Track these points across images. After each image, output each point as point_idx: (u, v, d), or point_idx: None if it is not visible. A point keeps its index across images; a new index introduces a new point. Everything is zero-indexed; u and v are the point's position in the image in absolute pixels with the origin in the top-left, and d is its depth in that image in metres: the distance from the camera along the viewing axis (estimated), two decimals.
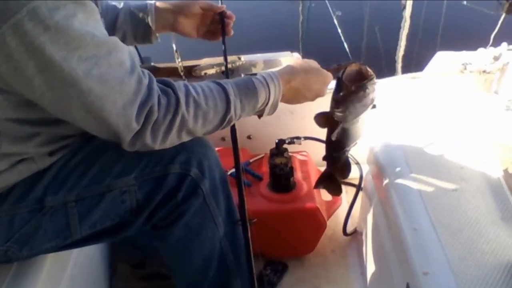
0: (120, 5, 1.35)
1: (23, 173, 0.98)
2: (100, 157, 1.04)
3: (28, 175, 0.99)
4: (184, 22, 1.36)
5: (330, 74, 1.20)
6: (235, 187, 1.52)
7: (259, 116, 1.12)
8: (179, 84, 0.96)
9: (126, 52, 0.88)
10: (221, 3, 1.42)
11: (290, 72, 1.12)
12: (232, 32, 1.41)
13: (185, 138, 0.97)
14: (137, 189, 1.04)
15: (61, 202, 1.00)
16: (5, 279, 1.05)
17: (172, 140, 0.95)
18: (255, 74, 2.02)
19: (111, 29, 1.33)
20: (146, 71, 0.92)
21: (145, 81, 0.89)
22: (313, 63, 1.19)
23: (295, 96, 1.15)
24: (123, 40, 1.37)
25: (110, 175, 1.02)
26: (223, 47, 1.41)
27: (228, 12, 1.39)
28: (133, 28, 1.36)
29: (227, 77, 1.35)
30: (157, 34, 1.39)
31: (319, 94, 1.19)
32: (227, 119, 1.00)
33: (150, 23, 1.34)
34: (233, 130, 1.22)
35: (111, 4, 1.35)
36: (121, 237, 1.10)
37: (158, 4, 1.35)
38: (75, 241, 1.06)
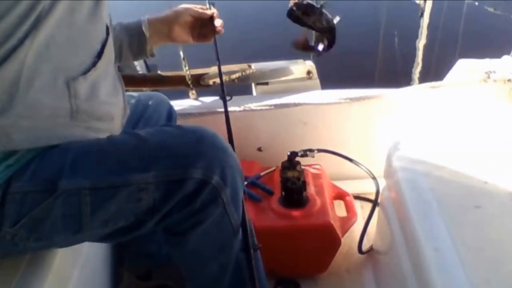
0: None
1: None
2: (119, 148, 1.05)
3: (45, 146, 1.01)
4: (178, 30, 1.47)
5: None
6: (246, 201, 1.53)
7: None
8: None
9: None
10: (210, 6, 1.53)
11: None
12: (222, 31, 1.53)
13: None
14: (155, 189, 1.04)
15: (75, 188, 1.00)
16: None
17: None
18: (267, 84, 2.06)
19: None
20: None
21: None
22: None
23: None
24: (120, 53, 1.43)
25: (128, 169, 1.03)
26: (215, 48, 1.50)
27: (215, 14, 1.51)
28: (129, 40, 1.44)
29: (222, 83, 1.44)
30: (153, 48, 1.48)
31: None
32: None
33: (145, 32, 1.43)
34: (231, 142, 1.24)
35: None
36: (131, 237, 1.10)
37: (149, 18, 1.45)
38: (85, 237, 1.07)
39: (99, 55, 1.07)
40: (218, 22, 1.51)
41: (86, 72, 1.03)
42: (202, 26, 1.52)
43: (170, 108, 1.60)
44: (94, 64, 1.05)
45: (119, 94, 1.19)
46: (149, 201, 1.04)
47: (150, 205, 1.04)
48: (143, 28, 1.42)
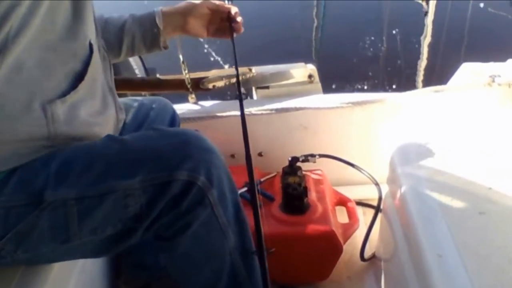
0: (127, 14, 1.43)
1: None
2: (104, 155, 1.05)
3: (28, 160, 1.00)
4: (193, 22, 1.45)
5: None
6: (246, 208, 1.53)
7: None
8: None
9: None
10: (229, 3, 1.51)
11: None
12: (242, 29, 1.48)
13: None
14: (141, 193, 1.04)
15: (61, 199, 1.00)
16: None
17: None
18: (268, 88, 2.06)
19: (119, 33, 1.39)
20: None
21: None
22: None
23: None
24: (132, 45, 1.43)
25: (114, 176, 1.03)
26: (233, 46, 1.43)
27: (235, 11, 1.47)
28: (142, 31, 1.41)
29: (238, 83, 1.38)
30: (166, 40, 1.46)
31: None
32: None
33: (159, 24, 1.41)
34: (246, 146, 1.22)
35: (114, 15, 1.42)
36: (124, 247, 1.10)
37: (164, 8, 1.43)
38: (74, 248, 1.06)
39: (81, 76, 1.06)
40: (237, 19, 1.47)
41: (64, 94, 1.02)
42: (222, 21, 1.49)
43: (173, 112, 1.60)
44: (74, 86, 1.05)
45: (108, 110, 1.19)
46: (136, 207, 1.04)
47: (137, 211, 1.05)
48: (157, 20, 1.41)
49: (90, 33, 1.09)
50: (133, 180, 1.03)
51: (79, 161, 1.03)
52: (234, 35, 1.46)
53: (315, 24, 8.32)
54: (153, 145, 1.07)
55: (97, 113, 1.14)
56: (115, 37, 1.40)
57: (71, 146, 1.05)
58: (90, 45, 1.09)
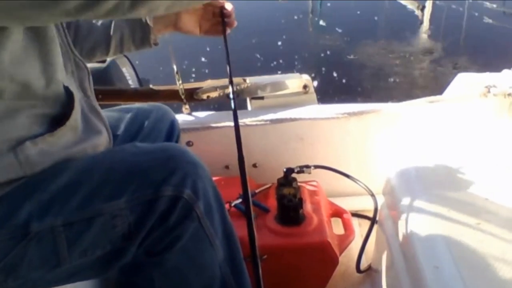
0: None
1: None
2: (87, 179, 1.04)
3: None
4: (186, 19, 1.41)
5: None
6: (240, 219, 1.52)
7: None
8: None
9: None
10: None
11: None
12: (235, 24, 1.45)
13: None
14: (129, 213, 1.03)
15: (47, 227, 0.99)
16: None
17: None
18: (262, 98, 2.06)
19: (107, 31, 1.36)
20: None
21: None
22: None
23: None
24: (121, 43, 1.40)
25: (99, 199, 1.02)
26: (225, 43, 1.41)
27: (228, 5, 1.44)
28: (131, 29, 1.39)
29: (231, 83, 1.35)
30: (157, 38, 1.42)
31: None
32: None
33: (149, 22, 1.37)
34: (240, 157, 1.22)
35: None
36: (118, 266, 1.10)
37: None
38: (65, 272, 1.06)
39: (60, 120, 1.05)
40: (230, 12, 1.44)
41: (36, 136, 1.01)
42: (214, 17, 1.45)
43: (172, 122, 1.56)
44: (50, 129, 1.03)
45: (93, 133, 1.17)
46: (124, 226, 1.04)
47: (126, 230, 1.04)
48: (147, 17, 1.38)
49: (61, 76, 1.06)
50: (119, 200, 1.02)
51: (61, 188, 1.02)
52: (228, 30, 1.44)
53: (310, 35, 8.37)
54: (136, 163, 1.06)
55: (79, 141, 1.12)
56: (103, 35, 1.38)
57: (50, 174, 1.03)
58: (67, 89, 1.06)
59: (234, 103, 1.29)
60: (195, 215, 1.08)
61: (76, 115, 1.08)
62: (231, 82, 1.36)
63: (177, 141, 1.56)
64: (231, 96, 1.31)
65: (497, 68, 1.96)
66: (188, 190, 1.05)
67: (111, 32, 1.37)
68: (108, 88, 2.05)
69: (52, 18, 0.90)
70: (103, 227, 1.03)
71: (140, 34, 1.40)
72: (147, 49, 1.45)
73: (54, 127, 1.04)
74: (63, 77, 1.08)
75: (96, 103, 1.22)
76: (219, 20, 1.44)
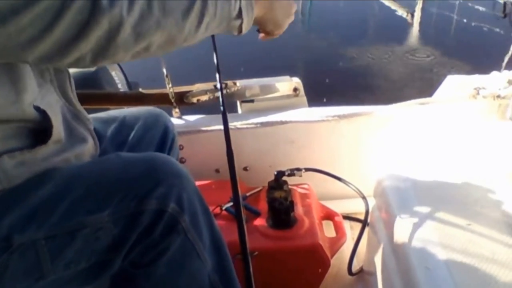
0: None
1: None
2: (69, 192, 1.03)
3: None
4: None
5: None
6: (232, 222, 1.53)
7: (239, 32, 1.12)
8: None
9: None
10: None
11: None
12: None
13: (160, 16, 0.88)
14: (113, 226, 1.03)
15: (29, 240, 0.98)
16: None
17: (144, 15, 0.85)
18: (252, 101, 2.07)
19: None
20: None
21: None
22: None
23: (272, 7, 1.19)
24: None
25: (82, 212, 1.01)
26: (213, 45, 1.36)
27: None
28: None
29: (222, 95, 1.33)
30: None
31: (290, 9, 1.25)
32: (194, 9, 0.94)
33: None
34: (230, 158, 1.22)
35: None
36: (104, 278, 1.09)
37: None
38: (51, 284, 1.05)
39: (38, 135, 1.03)
40: None
41: (14, 150, 0.99)
42: None
43: (166, 126, 1.54)
44: (29, 145, 1.02)
45: (76, 142, 1.15)
46: (108, 239, 1.03)
47: (110, 242, 1.04)
48: None
49: (31, 95, 1.01)
50: (103, 213, 1.02)
51: (43, 201, 1.01)
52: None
53: (300, 37, 8.39)
54: (119, 175, 1.05)
55: (61, 150, 1.10)
56: None
57: (31, 187, 1.02)
58: (38, 109, 1.03)
59: (223, 106, 1.28)
60: (180, 228, 1.07)
61: (58, 129, 1.07)
62: (220, 84, 1.35)
63: (171, 146, 1.55)
64: (220, 98, 1.31)
65: (486, 70, 1.98)
66: (173, 203, 1.05)
67: None
68: (97, 92, 2.05)
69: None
70: (87, 240, 1.02)
71: None
72: (135, 70, 1.44)
73: (33, 143, 1.02)
74: (35, 96, 1.03)
75: (80, 108, 1.21)
76: None
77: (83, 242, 1.02)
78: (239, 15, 1.06)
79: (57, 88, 1.14)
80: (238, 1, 1.04)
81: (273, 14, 1.20)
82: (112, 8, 0.80)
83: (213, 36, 1.37)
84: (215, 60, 1.36)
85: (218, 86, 1.34)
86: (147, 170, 1.05)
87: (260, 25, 1.24)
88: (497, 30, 8.34)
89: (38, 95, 1.04)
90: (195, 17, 0.94)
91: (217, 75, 1.36)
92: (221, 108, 1.28)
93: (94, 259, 1.05)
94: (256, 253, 1.19)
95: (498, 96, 1.82)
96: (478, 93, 1.85)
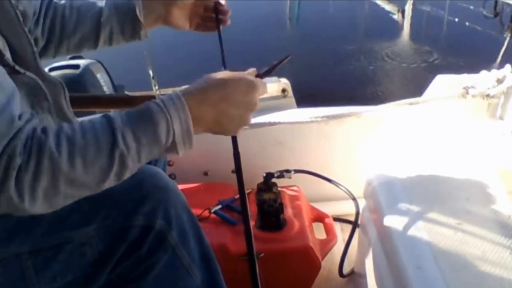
0: (102, 1, 1.35)
1: None
2: None
3: None
4: (176, 13, 1.35)
5: (259, 80, 1.05)
6: (220, 226, 1.54)
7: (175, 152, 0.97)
8: (51, 124, 0.88)
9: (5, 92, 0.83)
10: None
11: (200, 88, 0.97)
12: (229, 22, 1.39)
13: (69, 190, 0.85)
14: (98, 241, 1.03)
15: (13, 254, 0.99)
16: None
17: (48, 195, 0.83)
18: None
19: (95, 26, 1.32)
20: (29, 115, 0.86)
21: (19, 123, 0.81)
22: (231, 73, 1.04)
23: (219, 118, 0.99)
24: (110, 37, 1.36)
25: (67, 226, 1.01)
26: (219, 40, 1.35)
27: (222, 2, 1.38)
28: (120, 23, 1.35)
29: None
30: (147, 31, 1.39)
31: (250, 107, 1.02)
32: (116, 156, 0.86)
33: (139, 17, 1.33)
34: (237, 158, 1.20)
35: (88, 1, 1.35)
36: None
37: None
38: None
39: None
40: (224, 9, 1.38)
41: None
42: (205, 12, 1.40)
43: None
44: None
45: None
46: (95, 253, 1.04)
47: (96, 257, 1.04)
48: (137, 12, 1.32)
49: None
50: (88, 228, 1.02)
51: (28, 217, 0.96)
52: (220, 27, 1.38)
53: (288, 37, 8.40)
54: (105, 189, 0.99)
55: None
56: (91, 30, 1.34)
57: None
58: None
59: None
60: (168, 244, 1.07)
61: None
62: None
63: None
64: None
65: (475, 70, 2.00)
66: (160, 220, 1.05)
67: (100, 28, 1.33)
68: (82, 95, 2.05)
69: None
70: (72, 254, 1.03)
71: (130, 29, 1.36)
72: (136, 40, 1.40)
73: None
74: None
75: (76, 120, 1.19)
76: (210, 15, 1.39)
77: (69, 256, 1.02)
78: (173, 148, 0.95)
79: (53, 112, 1.12)
80: (170, 138, 0.92)
81: (221, 130, 1.03)
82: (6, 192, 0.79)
83: (217, 17, 1.38)
84: (221, 55, 1.32)
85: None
86: (133, 183, 1.03)
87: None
88: (487, 29, 8.41)
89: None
90: (114, 178, 0.90)
91: (222, 66, 1.33)
92: None
93: (80, 272, 1.05)
94: (262, 254, 1.19)
95: (488, 95, 1.84)
96: (467, 93, 1.87)
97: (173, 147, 0.93)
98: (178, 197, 1.10)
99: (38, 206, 0.83)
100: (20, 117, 0.82)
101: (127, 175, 0.91)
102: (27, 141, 0.80)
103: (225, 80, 0.99)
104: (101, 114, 0.91)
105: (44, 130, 0.83)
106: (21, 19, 1.06)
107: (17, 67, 0.97)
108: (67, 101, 1.18)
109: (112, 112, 0.90)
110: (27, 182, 0.79)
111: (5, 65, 0.93)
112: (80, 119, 0.92)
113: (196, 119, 0.94)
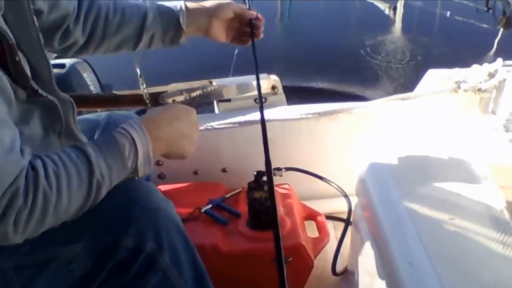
0: (146, 4, 1.37)
1: None
2: None
3: None
4: (217, 25, 1.40)
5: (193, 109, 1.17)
6: (211, 225, 1.54)
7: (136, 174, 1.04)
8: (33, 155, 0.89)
9: (8, 130, 0.85)
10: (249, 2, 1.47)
11: (154, 114, 1.09)
12: (261, 36, 1.45)
13: (53, 220, 0.88)
14: (86, 258, 1.03)
15: None
16: None
17: (37, 228, 0.86)
18: (229, 100, 2.07)
19: (138, 30, 1.35)
20: (27, 151, 0.88)
21: (23, 162, 0.84)
22: (173, 107, 1.16)
23: (174, 137, 1.10)
24: (150, 42, 1.40)
25: (54, 242, 1.01)
26: (253, 54, 1.39)
27: (258, 15, 1.43)
28: (163, 30, 1.38)
29: (259, 91, 1.38)
30: (186, 39, 1.43)
31: (196, 126, 1.17)
32: (94, 185, 0.92)
33: (182, 25, 1.37)
34: (267, 156, 1.25)
35: (132, 3, 1.37)
36: None
37: (189, 5, 1.38)
38: None
39: None
40: (260, 21, 1.44)
41: None
42: (241, 26, 1.45)
43: None
44: None
45: None
46: (82, 271, 1.04)
47: (84, 274, 1.04)
48: (181, 20, 1.36)
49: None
50: (76, 245, 1.02)
51: None
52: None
53: (278, 35, 8.41)
54: (96, 206, 0.99)
55: None
56: (133, 33, 1.36)
57: None
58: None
59: (261, 111, 1.34)
60: (159, 267, 1.07)
61: None
62: (259, 91, 1.40)
63: None
64: (258, 103, 1.31)
65: (467, 64, 2.01)
66: (151, 243, 1.04)
67: (143, 32, 1.36)
68: (69, 95, 2.04)
69: None
70: (59, 271, 1.03)
71: (172, 35, 1.40)
72: (174, 47, 1.46)
73: None
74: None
75: (82, 137, 1.21)
76: (244, 30, 1.45)
77: (55, 273, 1.03)
78: (136, 172, 1.02)
79: (63, 134, 1.14)
80: (134, 163, 1.00)
81: (178, 148, 1.12)
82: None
83: (252, 31, 1.41)
84: (255, 69, 1.38)
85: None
86: (126, 204, 1.05)
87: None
88: (479, 23, 8.46)
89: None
90: (91, 204, 0.95)
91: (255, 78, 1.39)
92: (260, 113, 1.34)
93: None
94: (290, 259, 1.20)
95: (479, 90, 1.86)
96: (459, 87, 1.88)
97: (135, 171, 1.02)
98: (170, 218, 1.10)
99: (24, 238, 0.87)
100: (22, 153, 0.86)
101: (99, 199, 0.96)
102: (27, 179, 0.83)
103: (169, 106, 1.16)
104: (72, 144, 0.95)
105: (33, 166, 0.86)
106: (41, 40, 1.08)
107: (40, 91, 1.00)
108: (75, 119, 1.20)
109: (79, 142, 0.99)
110: (23, 218, 0.83)
111: (27, 88, 0.97)
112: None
113: (155, 139, 1.03)
